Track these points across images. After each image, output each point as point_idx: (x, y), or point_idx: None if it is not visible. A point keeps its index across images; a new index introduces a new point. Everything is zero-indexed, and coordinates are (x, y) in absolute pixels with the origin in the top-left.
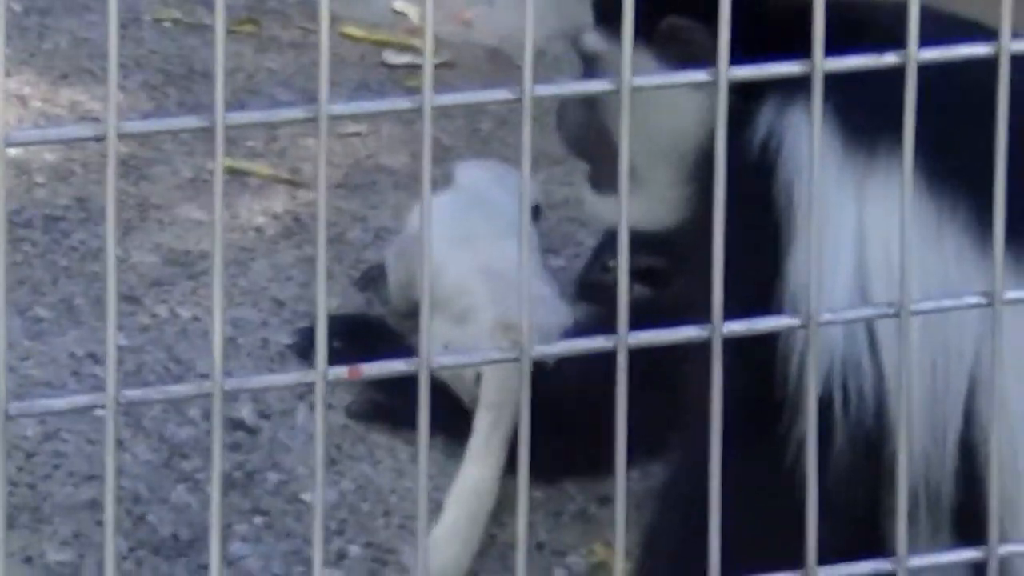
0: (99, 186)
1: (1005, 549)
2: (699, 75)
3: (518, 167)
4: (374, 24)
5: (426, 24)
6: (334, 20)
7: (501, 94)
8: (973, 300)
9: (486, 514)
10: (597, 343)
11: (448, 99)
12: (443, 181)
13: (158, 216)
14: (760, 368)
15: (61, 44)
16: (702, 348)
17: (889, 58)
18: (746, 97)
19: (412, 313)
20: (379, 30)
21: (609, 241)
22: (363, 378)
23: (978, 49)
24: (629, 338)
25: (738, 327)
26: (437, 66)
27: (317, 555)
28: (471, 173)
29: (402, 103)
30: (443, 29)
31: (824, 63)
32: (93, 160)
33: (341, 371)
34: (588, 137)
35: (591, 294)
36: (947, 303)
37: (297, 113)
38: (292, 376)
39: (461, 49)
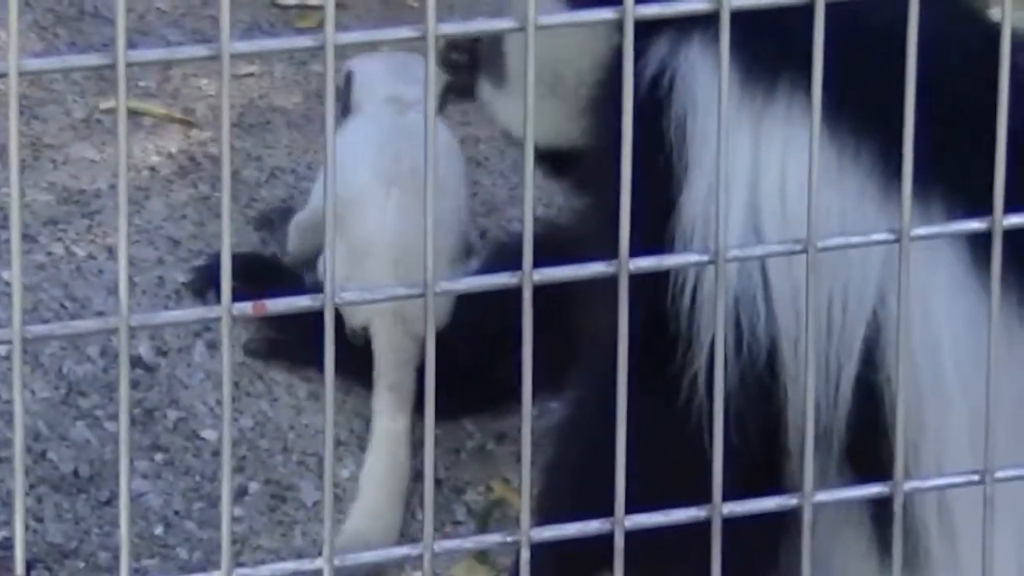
0: None
1: (909, 485)
2: (606, 13)
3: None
4: None
5: None
6: None
7: (405, 32)
8: (881, 236)
9: (404, 493)
10: (502, 279)
11: (351, 37)
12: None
13: (52, 155)
14: (654, 306)
15: None
16: (599, 286)
17: None
18: (639, 33)
19: (309, 262)
20: None
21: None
22: (268, 314)
23: None
24: (534, 274)
25: (645, 263)
26: None
27: (226, 488)
28: (370, 71)
29: (304, 41)
30: None
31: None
32: None
33: (246, 307)
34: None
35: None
36: (855, 239)
37: (200, 51)
38: (198, 311)
39: None
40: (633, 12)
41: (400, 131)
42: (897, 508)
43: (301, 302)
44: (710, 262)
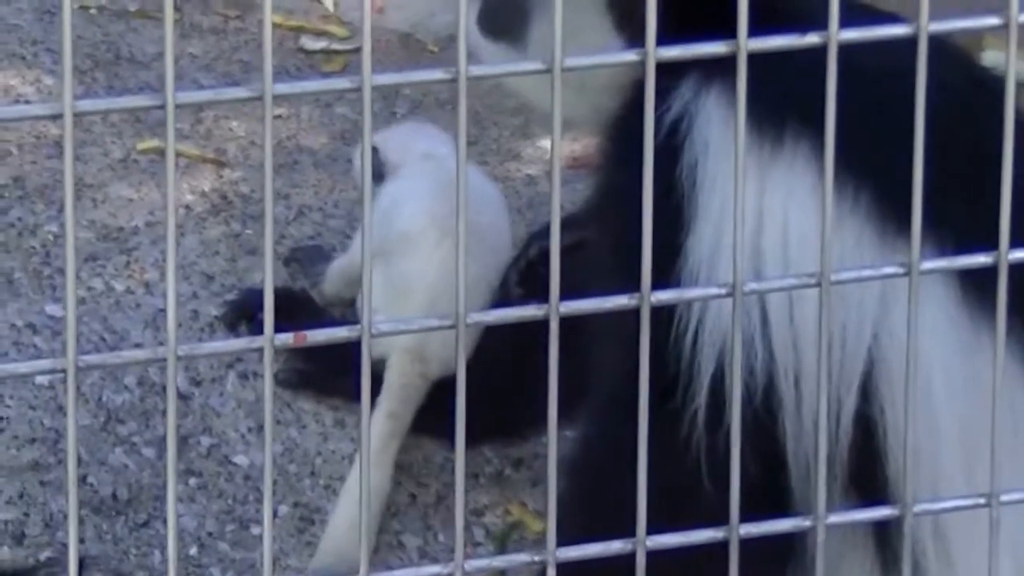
0: (34, 166)
1: (920, 507)
2: (628, 55)
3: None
4: (290, 11)
5: (364, 9)
6: (252, 7)
7: (437, 74)
8: (891, 269)
9: (379, 513)
10: (529, 311)
11: (387, 79)
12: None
13: (91, 194)
14: (655, 345)
15: None
16: (606, 321)
17: (811, 38)
18: (664, 74)
19: (344, 303)
20: (296, 16)
21: (539, 232)
22: (307, 344)
23: (898, 30)
24: (560, 307)
25: (667, 295)
26: (351, 51)
27: (267, 510)
28: (394, 137)
29: (342, 83)
30: (357, 15)
31: (748, 43)
32: (27, 141)
33: (287, 337)
34: None
35: (523, 283)
36: (867, 272)
37: (243, 92)
38: (241, 342)
39: (374, 35)
40: (655, 54)
41: (453, 185)
42: (907, 530)
43: (339, 333)
44: (728, 295)
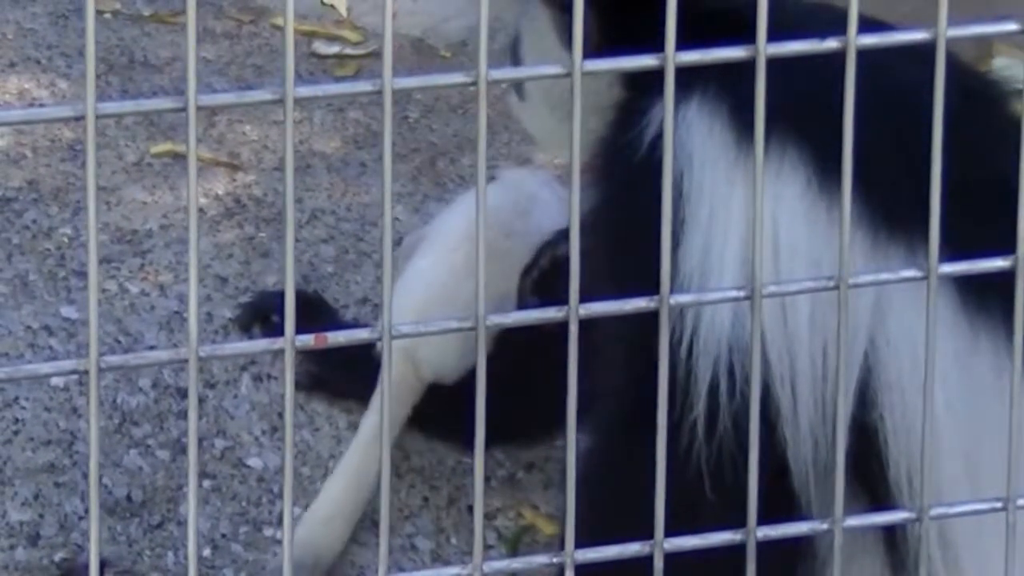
0: (49, 169)
1: (936, 511)
2: (647, 59)
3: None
4: (304, 15)
5: (385, 13)
6: (265, 12)
7: (457, 78)
8: (909, 273)
9: (359, 511)
10: (548, 314)
11: (408, 82)
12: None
13: (106, 197)
14: (653, 357)
15: (8, 35)
16: (609, 337)
17: (830, 43)
18: (644, 92)
19: None
20: (309, 21)
21: (551, 240)
22: (328, 345)
23: (915, 35)
24: (580, 308)
25: (685, 298)
26: (364, 55)
27: (287, 512)
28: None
29: (364, 86)
30: (370, 20)
31: (767, 48)
32: (42, 145)
33: (308, 339)
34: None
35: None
36: (884, 276)
37: (265, 95)
38: (263, 343)
39: None
40: (674, 58)
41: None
42: (924, 533)
43: (360, 334)
44: (746, 298)
